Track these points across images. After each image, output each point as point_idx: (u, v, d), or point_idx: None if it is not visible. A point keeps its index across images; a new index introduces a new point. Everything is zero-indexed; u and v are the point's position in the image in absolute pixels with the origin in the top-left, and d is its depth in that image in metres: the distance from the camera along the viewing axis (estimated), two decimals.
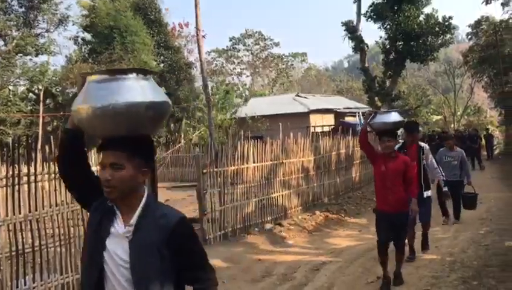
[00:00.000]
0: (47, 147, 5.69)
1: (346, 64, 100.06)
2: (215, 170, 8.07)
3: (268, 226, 8.80)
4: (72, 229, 5.43)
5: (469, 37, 30.17)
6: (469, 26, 29.59)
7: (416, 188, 5.39)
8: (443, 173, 7.23)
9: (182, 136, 25.31)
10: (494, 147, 24.25)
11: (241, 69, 46.28)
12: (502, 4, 24.88)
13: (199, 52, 15.34)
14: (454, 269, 5.62)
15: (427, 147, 6.20)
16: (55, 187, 5.33)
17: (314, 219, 9.48)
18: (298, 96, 29.00)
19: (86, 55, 24.37)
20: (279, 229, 8.67)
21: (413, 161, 5.36)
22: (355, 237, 8.33)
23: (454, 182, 8.18)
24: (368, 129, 5.33)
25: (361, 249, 7.23)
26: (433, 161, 6.39)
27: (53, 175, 5.31)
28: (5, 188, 4.84)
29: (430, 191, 6.15)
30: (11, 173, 4.87)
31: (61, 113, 24.05)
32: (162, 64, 25.11)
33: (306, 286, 5.52)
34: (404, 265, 6.00)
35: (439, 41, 20.81)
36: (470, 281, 5.05)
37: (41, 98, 22.95)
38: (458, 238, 7.53)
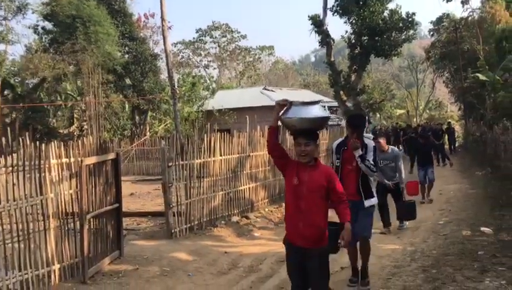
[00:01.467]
0: (4, 140, 5.47)
1: (313, 59, 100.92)
2: (181, 163, 7.98)
3: (235, 218, 8.81)
4: (31, 224, 5.26)
5: (431, 33, 31.01)
6: (431, 22, 30.44)
7: (355, 195, 4.74)
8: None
9: (147, 128, 24.95)
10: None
11: (208, 61, 45.89)
12: (462, 2, 25.67)
13: (164, 44, 15.12)
14: (415, 259, 5.81)
15: (372, 144, 4.91)
16: (13, 181, 5.13)
17: (280, 211, 9.55)
18: (265, 89, 29.04)
19: (47, 45, 23.49)
20: (246, 222, 8.70)
21: (352, 163, 4.76)
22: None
23: (395, 184, 7.71)
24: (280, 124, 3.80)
25: None
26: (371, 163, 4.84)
27: (10, 168, 5.11)
28: None
29: (373, 199, 4.92)
30: None
31: (21, 104, 23.17)
32: (126, 56, 24.54)
33: (272, 277, 5.57)
34: None
35: (403, 36, 21.28)
36: (429, 270, 5.23)
37: None
38: (419, 228, 7.78)
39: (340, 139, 5.06)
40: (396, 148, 8.38)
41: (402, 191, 7.68)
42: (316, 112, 3.64)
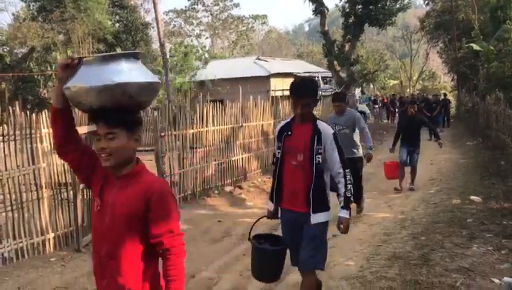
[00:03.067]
0: None
1: (306, 28, 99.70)
2: (174, 133, 7.97)
3: (228, 188, 8.88)
4: (24, 194, 5.26)
5: (426, 2, 30.59)
6: None
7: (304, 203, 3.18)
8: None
9: None
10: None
11: (200, 30, 45.25)
12: None
13: (155, 12, 14.82)
14: (405, 226, 5.92)
15: (331, 132, 3.21)
16: (4, 151, 5.11)
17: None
18: (259, 59, 28.78)
19: (35, 13, 22.95)
20: (239, 192, 8.77)
21: (297, 156, 3.20)
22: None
23: (350, 159, 5.28)
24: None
25: None
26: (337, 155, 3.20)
27: (1, 138, 5.07)
28: None
29: (326, 214, 3.23)
30: None
31: (11, 74, 22.79)
32: (117, 24, 24.10)
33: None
34: (356, 223, 6.26)
35: (398, 5, 20.98)
36: (418, 237, 5.34)
37: None
38: (410, 197, 7.90)
39: (285, 121, 3.44)
40: (355, 111, 7.09)
41: (369, 160, 6.53)
42: (124, 73, 1.89)
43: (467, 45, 19.47)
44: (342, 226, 3.26)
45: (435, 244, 4.99)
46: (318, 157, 3.16)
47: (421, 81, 44.02)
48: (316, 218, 3.19)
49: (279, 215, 3.44)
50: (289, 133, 3.28)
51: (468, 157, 11.51)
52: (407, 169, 8.64)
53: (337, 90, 21.02)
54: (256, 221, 3.45)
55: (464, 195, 7.27)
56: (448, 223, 5.79)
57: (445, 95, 22.71)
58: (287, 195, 3.30)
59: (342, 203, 3.23)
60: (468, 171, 9.74)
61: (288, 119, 3.41)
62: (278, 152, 3.34)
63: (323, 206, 3.23)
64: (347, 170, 3.19)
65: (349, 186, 3.21)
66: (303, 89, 3.25)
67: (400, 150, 8.62)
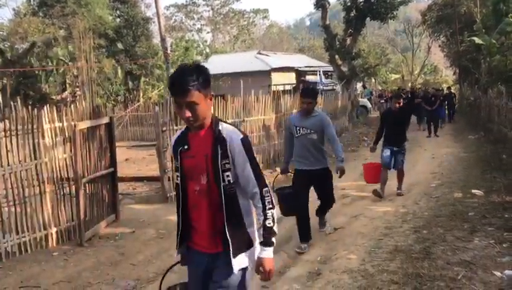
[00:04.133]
0: None
1: (307, 23, 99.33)
2: (175, 128, 7.97)
3: None
4: (26, 189, 5.28)
5: None
6: None
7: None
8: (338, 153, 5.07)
9: (141, 94, 24.72)
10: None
11: (201, 25, 45.13)
12: None
13: (156, 6, 14.75)
14: (407, 220, 5.92)
15: (239, 137, 2.28)
16: (6, 146, 5.12)
17: (274, 176, 9.62)
18: (260, 54, 28.72)
19: (36, 8, 22.90)
20: None
21: (201, 178, 2.29)
22: (315, 193, 8.53)
23: (319, 173, 5.07)
24: None
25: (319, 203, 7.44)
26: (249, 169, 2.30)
27: (2, 133, 5.08)
28: None
29: (247, 255, 2.33)
30: None
31: (12, 69, 22.79)
32: (118, 19, 24.04)
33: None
34: (358, 217, 6.27)
35: None
36: (420, 231, 5.34)
37: None
38: (411, 191, 7.89)
39: (179, 131, 2.46)
40: (325, 113, 5.82)
41: (341, 173, 5.16)
42: None
43: (468, 39, 19.34)
44: (262, 269, 2.28)
45: (436, 238, 5.00)
46: (227, 176, 2.24)
47: (422, 75, 43.91)
48: (238, 262, 2.25)
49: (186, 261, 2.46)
50: (185, 147, 2.33)
51: (470, 151, 11.49)
52: (392, 173, 7.46)
53: (338, 84, 20.95)
54: (166, 272, 2.64)
55: (465, 189, 7.27)
56: (449, 216, 5.80)
57: (449, 88, 21.68)
58: (194, 234, 2.37)
59: (262, 238, 2.30)
60: (470, 165, 9.73)
61: (183, 129, 2.43)
62: (177, 176, 2.38)
63: (246, 244, 2.31)
64: (265, 189, 2.29)
65: (269, 212, 2.29)
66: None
67: (382, 150, 7.37)
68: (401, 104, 7.52)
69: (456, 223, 5.50)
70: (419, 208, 6.50)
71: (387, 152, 7.32)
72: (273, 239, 2.30)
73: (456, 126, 18.15)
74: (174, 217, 3.36)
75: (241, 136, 2.30)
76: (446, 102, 18.41)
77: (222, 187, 2.24)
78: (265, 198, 2.29)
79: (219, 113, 8.93)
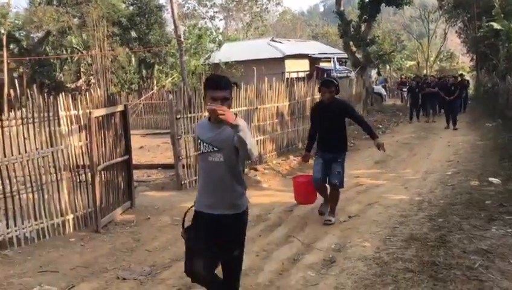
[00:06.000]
0: (12, 93, 5.48)
1: (321, 9, 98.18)
2: (189, 115, 7.98)
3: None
4: (44, 176, 5.36)
5: None
6: None
7: None
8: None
9: (155, 82, 24.78)
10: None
11: (214, 12, 44.81)
12: None
13: None
14: (422, 208, 5.87)
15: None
16: (24, 134, 5.19)
17: (288, 164, 9.62)
18: (273, 41, 28.50)
19: None
20: (254, 174, 8.77)
21: None
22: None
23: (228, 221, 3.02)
24: None
25: None
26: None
27: (20, 121, 5.15)
28: None
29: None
30: None
31: (27, 58, 23.04)
32: (131, 7, 24.02)
33: (280, 226, 5.68)
34: (372, 205, 6.23)
35: None
36: (436, 219, 5.29)
37: (5, 43, 21.80)
38: (427, 179, 7.81)
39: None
40: (241, 119, 3.12)
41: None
42: None
43: (487, 24, 18.93)
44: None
45: (452, 226, 4.95)
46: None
47: (438, 62, 43.14)
48: None
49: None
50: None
51: (487, 139, 11.31)
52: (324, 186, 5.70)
53: (352, 71, 20.72)
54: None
55: (482, 177, 7.18)
56: (466, 205, 5.73)
57: (461, 76, 19.33)
58: None
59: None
60: (486, 153, 9.58)
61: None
62: None
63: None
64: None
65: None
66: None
67: (314, 160, 5.73)
68: (334, 93, 5.43)
69: (472, 211, 5.44)
70: (434, 196, 6.43)
71: (318, 163, 5.52)
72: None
73: (472, 113, 17.86)
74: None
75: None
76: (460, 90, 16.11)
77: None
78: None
79: (233, 100, 8.90)
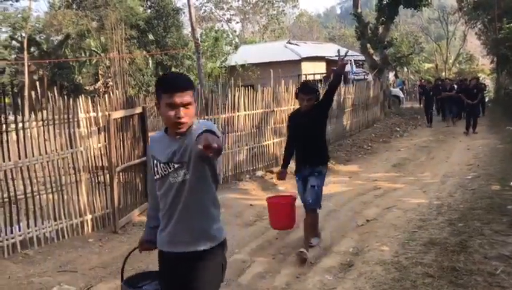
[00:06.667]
0: (34, 94, 5.57)
1: (338, 11, 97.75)
2: (206, 117, 8.01)
3: (259, 173, 8.89)
4: (63, 177, 5.43)
5: None
6: None
7: None
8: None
9: None
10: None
11: (230, 15, 44.96)
12: None
13: None
14: (441, 212, 5.78)
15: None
16: (44, 135, 5.27)
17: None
18: (289, 43, 28.45)
19: (70, 0, 23.41)
20: (270, 176, 8.76)
21: None
22: (346, 183, 8.46)
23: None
24: None
25: (351, 194, 7.37)
26: None
27: (41, 122, 5.23)
28: None
29: None
30: None
31: (47, 60, 23.46)
32: (149, 10, 24.31)
33: (296, 229, 5.64)
34: (391, 209, 6.15)
35: None
36: (456, 223, 5.20)
37: (25, 46, 22.25)
38: (446, 183, 7.69)
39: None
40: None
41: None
42: None
43: (508, 25, 18.60)
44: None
45: (473, 231, 4.85)
46: None
47: (457, 64, 42.50)
48: None
49: None
50: None
51: (507, 143, 11.08)
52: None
53: (370, 73, 20.54)
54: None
55: (503, 181, 7.02)
56: (487, 209, 5.61)
57: (477, 79, 16.90)
58: None
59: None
60: (507, 156, 9.38)
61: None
62: None
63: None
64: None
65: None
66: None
67: (296, 179, 4.84)
68: (314, 101, 4.56)
69: (493, 216, 5.32)
70: (454, 201, 6.32)
71: (299, 183, 4.79)
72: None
73: (492, 116, 17.54)
74: None
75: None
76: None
77: None
78: None
79: (249, 103, 8.92)
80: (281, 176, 4.88)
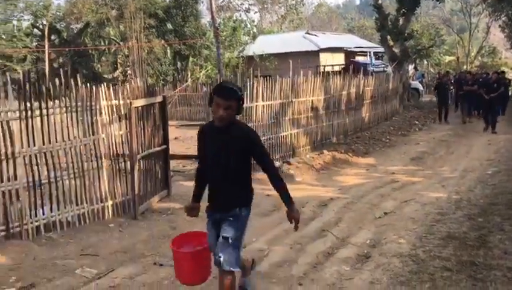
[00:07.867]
0: (57, 81, 5.66)
1: (357, 2, 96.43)
2: None
3: (276, 164, 8.89)
4: (85, 163, 5.53)
5: None
6: None
7: None
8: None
9: (189, 74, 25.08)
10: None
11: (249, 4, 44.67)
12: None
13: None
14: (461, 207, 5.73)
15: None
16: (67, 122, 5.37)
17: (322, 158, 9.56)
18: (308, 34, 28.24)
19: None
20: (288, 167, 8.78)
21: None
22: (363, 175, 8.43)
23: None
24: None
25: (368, 187, 7.35)
26: None
27: (64, 109, 5.33)
28: (18, 121, 4.88)
29: None
30: (23, 106, 4.89)
31: (67, 48, 23.76)
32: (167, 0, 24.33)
33: (314, 220, 5.67)
34: (409, 202, 6.12)
35: None
36: (475, 218, 5.16)
37: (46, 34, 22.55)
38: (465, 177, 7.61)
39: None
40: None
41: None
42: None
43: None
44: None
45: (493, 227, 4.81)
46: None
47: (479, 57, 41.66)
48: None
49: None
50: None
51: None
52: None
53: (389, 65, 20.28)
54: None
55: None
56: (507, 205, 5.55)
57: (498, 73, 15.43)
58: None
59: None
60: None
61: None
62: None
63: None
64: None
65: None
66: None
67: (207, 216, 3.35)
68: (235, 111, 2.96)
69: None
70: (474, 195, 6.26)
71: (209, 225, 3.31)
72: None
73: None
74: None
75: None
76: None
77: None
78: None
79: (267, 93, 8.91)
80: (191, 213, 3.39)
